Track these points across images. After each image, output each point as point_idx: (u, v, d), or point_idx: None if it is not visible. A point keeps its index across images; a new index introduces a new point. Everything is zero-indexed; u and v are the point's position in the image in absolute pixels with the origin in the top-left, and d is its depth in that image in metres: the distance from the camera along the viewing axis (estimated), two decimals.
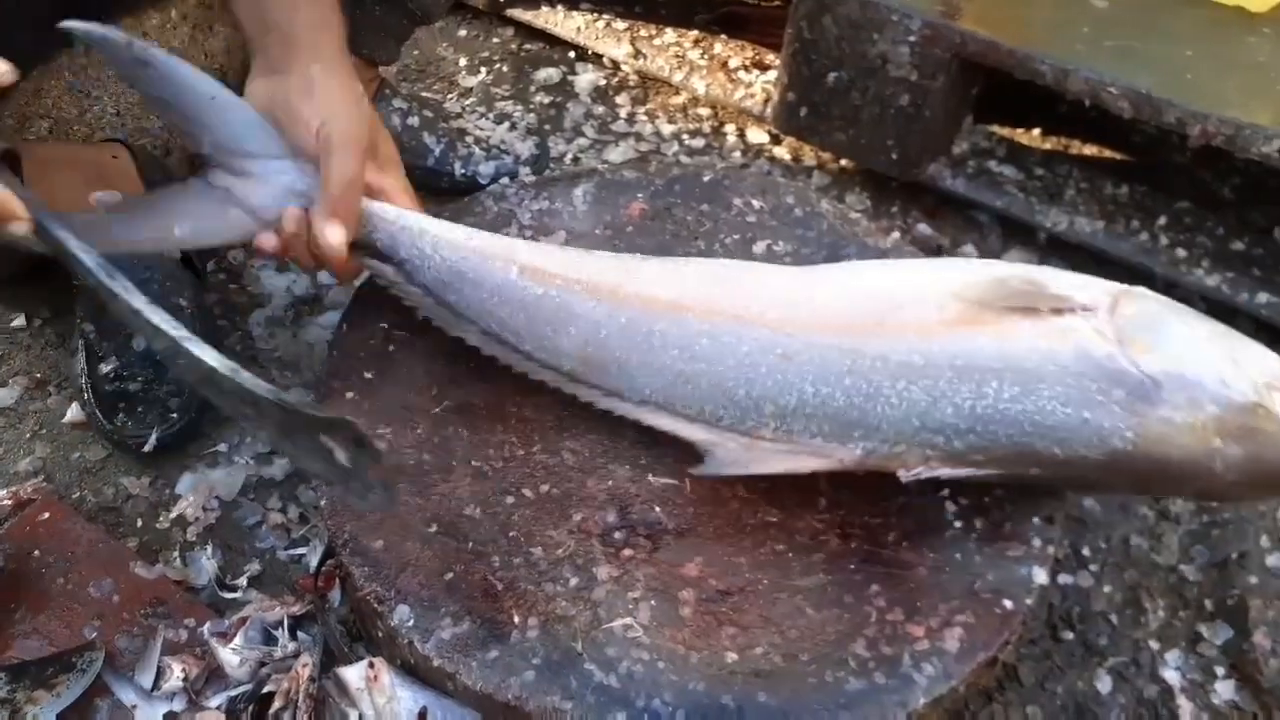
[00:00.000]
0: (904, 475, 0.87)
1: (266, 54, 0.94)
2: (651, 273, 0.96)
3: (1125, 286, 0.90)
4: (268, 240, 0.95)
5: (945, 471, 0.87)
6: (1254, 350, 0.87)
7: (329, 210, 0.92)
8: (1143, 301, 0.89)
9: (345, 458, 0.75)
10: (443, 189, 1.37)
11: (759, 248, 1.11)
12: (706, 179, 1.17)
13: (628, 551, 0.89)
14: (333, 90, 0.93)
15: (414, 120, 1.37)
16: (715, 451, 0.92)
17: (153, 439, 1.08)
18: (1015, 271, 0.91)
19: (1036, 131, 1.48)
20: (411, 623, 0.82)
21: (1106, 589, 1.06)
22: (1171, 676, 1.00)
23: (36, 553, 0.99)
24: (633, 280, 0.95)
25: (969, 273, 0.91)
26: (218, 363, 0.77)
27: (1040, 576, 0.87)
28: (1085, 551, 1.09)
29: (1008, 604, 0.85)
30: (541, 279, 0.95)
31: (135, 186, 1.17)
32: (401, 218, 0.98)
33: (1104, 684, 1.00)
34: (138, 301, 0.80)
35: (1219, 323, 0.90)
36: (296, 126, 0.93)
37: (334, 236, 0.92)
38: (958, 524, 0.90)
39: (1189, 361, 0.84)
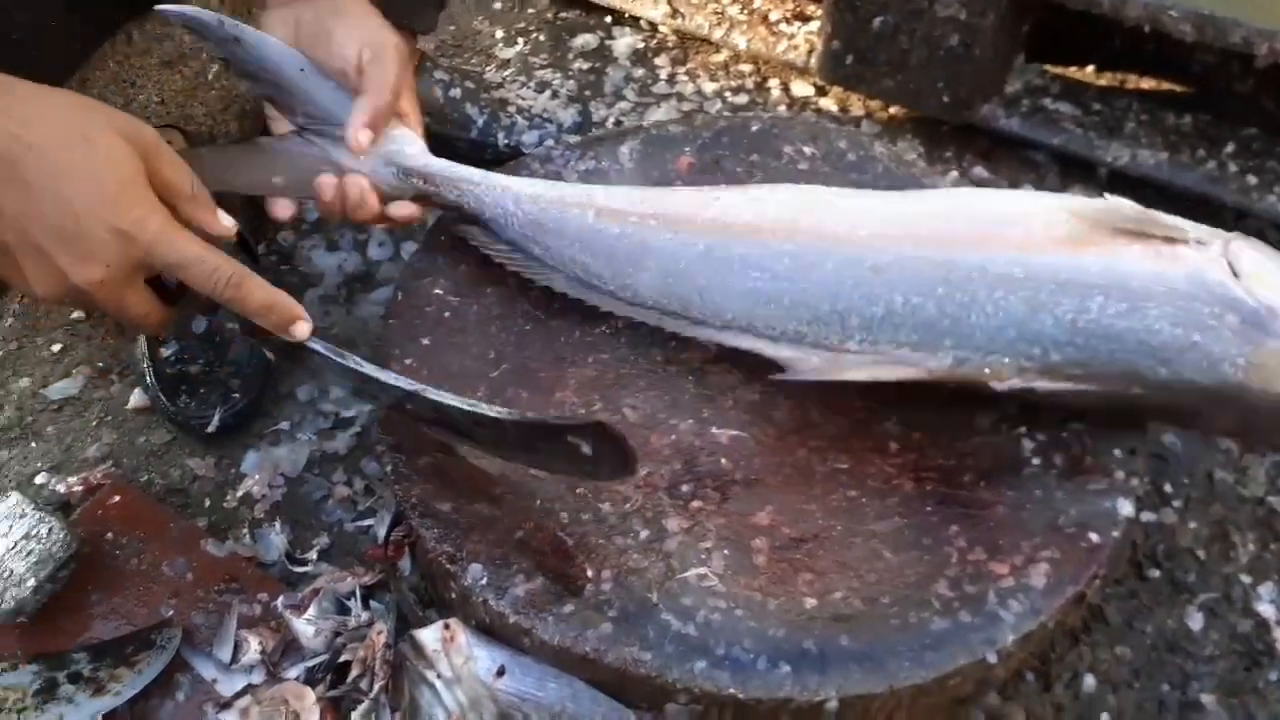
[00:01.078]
0: (998, 386, 0.84)
1: None
2: (731, 200, 0.95)
3: (1237, 234, 0.87)
4: (324, 184, 0.98)
5: (1042, 384, 0.83)
6: None
7: (365, 118, 0.95)
8: (1256, 245, 0.85)
9: (590, 449, 0.79)
10: (487, 160, 1.36)
11: None
12: (755, 129, 1.15)
13: (696, 503, 0.87)
14: (361, 13, 0.96)
15: (456, 92, 1.36)
16: (797, 365, 0.91)
17: (216, 419, 1.09)
18: (1126, 207, 0.88)
19: (1090, 69, 1.44)
20: (485, 581, 0.81)
21: (1192, 525, 1.03)
22: (1266, 610, 0.97)
23: (109, 535, 1.00)
24: (710, 209, 0.95)
25: (1080, 199, 0.89)
26: (457, 402, 0.83)
27: (1126, 508, 0.84)
28: (1167, 488, 1.05)
29: (1094, 537, 0.82)
30: (618, 219, 0.97)
31: None
32: (486, 179, 1.01)
33: (1195, 621, 0.97)
34: (370, 369, 0.87)
35: None
36: (331, 47, 0.95)
37: (364, 138, 0.95)
38: (1036, 461, 0.88)
39: None
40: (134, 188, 0.75)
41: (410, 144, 1.01)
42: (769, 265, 0.91)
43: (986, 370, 0.84)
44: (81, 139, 0.73)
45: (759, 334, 0.92)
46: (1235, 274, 0.82)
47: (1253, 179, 1.24)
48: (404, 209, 1.01)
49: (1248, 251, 0.84)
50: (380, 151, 0.99)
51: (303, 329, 0.84)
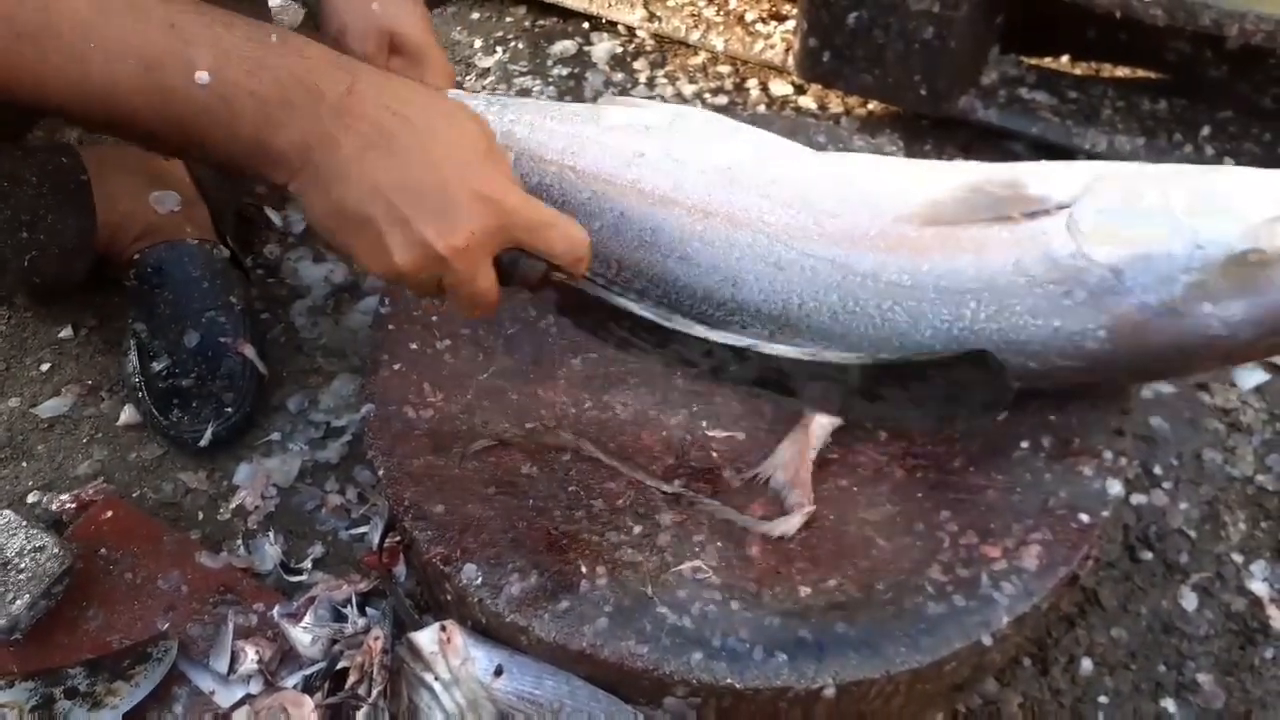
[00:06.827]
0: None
1: None
2: (653, 159, 0.92)
3: (1109, 169, 0.84)
4: None
5: None
6: (1254, 185, 0.79)
7: None
8: (1119, 180, 0.82)
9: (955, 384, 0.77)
10: None
11: None
12: None
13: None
14: None
15: None
16: None
17: (209, 433, 1.09)
18: (998, 175, 0.85)
19: (1065, 58, 1.45)
20: (479, 580, 0.81)
21: (1182, 506, 1.03)
22: (1259, 588, 0.98)
23: (103, 551, 1.00)
24: (630, 170, 0.92)
25: (950, 182, 0.86)
26: (795, 353, 0.80)
27: (1115, 488, 0.84)
28: (1156, 470, 1.06)
29: (1084, 518, 0.82)
30: (539, 165, 0.94)
31: (187, 187, 1.18)
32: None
33: (1189, 601, 0.97)
34: (647, 312, 0.83)
35: (1223, 169, 0.83)
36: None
37: None
38: (1024, 444, 0.88)
39: (1153, 237, 0.77)
40: (495, 159, 0.78)
41: None
42: (679, 246, 0.90)
43: None
44: (446, 113, 0.77)
45: (671, 307, 0.91)
46: (1085, 233, 0.79)
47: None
48: None
49: (1105, 199, 0.80)
50: None
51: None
